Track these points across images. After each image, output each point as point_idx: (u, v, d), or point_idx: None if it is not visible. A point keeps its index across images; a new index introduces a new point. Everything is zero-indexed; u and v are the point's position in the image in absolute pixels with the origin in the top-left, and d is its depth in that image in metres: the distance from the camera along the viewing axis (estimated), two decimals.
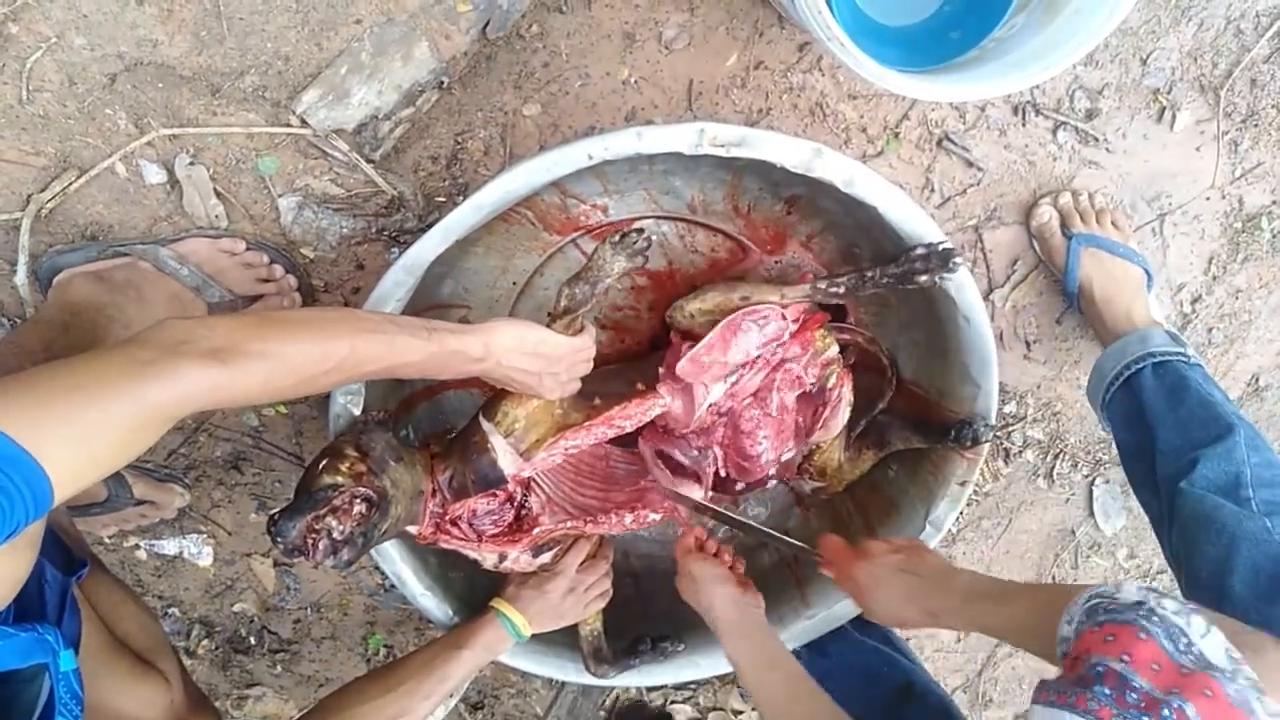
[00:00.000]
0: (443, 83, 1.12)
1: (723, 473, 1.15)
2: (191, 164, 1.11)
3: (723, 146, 0.95)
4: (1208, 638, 0.65)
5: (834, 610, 1.23)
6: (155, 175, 1.11)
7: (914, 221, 1.02)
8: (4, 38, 1.01)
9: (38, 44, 1.02)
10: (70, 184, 1.10)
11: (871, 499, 1.29)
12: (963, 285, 1.05)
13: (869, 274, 1.07)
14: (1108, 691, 0.62)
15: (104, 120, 1.08)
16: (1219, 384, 1.18)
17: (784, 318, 1.07)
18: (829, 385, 1.12)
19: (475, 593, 1.24)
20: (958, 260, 1.02)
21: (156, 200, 1.13)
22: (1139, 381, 1.17)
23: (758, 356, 1.07)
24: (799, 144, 0.96)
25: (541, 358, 0.94)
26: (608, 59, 1.17)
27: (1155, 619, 0.66)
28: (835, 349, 1.12)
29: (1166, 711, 0.59)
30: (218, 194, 1.13)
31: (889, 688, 1.15)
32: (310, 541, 0.83)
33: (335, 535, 0.85)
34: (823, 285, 1.09)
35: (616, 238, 0.97)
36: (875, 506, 1.29)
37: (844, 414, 1.15)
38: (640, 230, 0.97)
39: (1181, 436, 1.10)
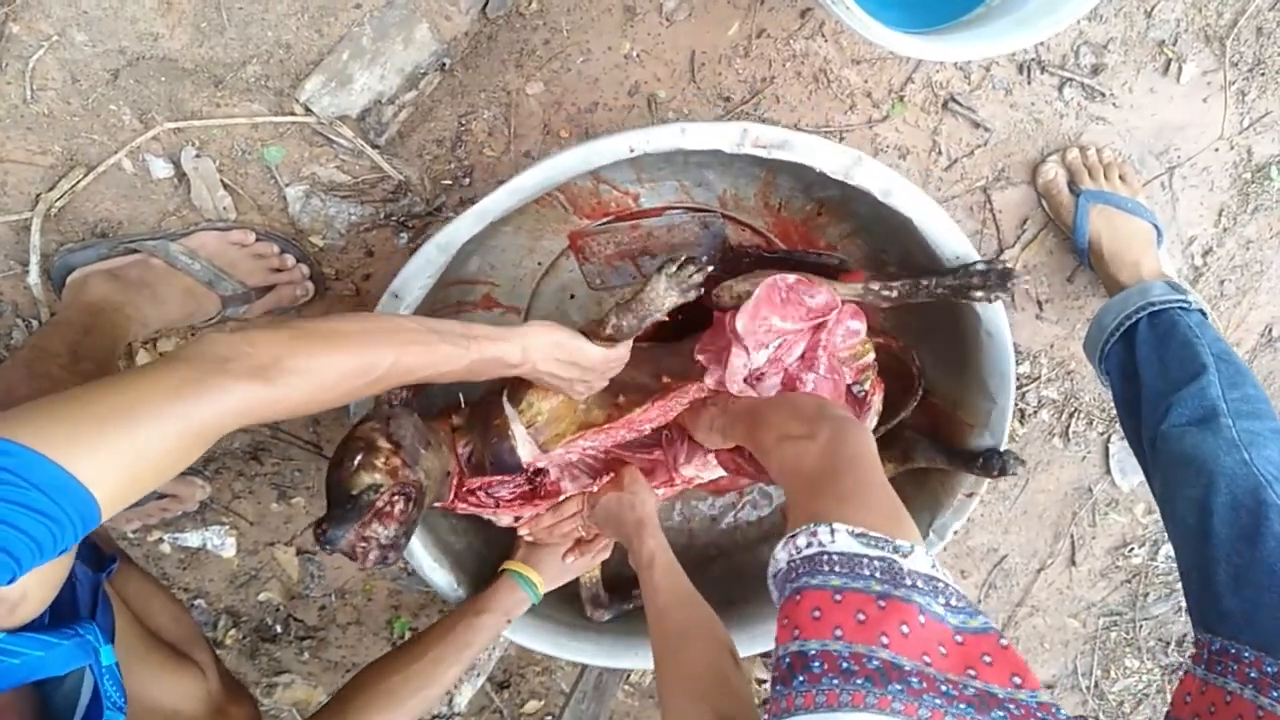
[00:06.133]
0: (444, 64, 1.12)
1: None
2: (198, 156, 1.11)
3: (764, 148, 0.96)
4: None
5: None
6: (162, 169, 1.11)
7: (947, 235, 1.03)
8: (6, 37, 1.01)
9: (39, 42, 1.02)
10: (78, 182, 1.10)
11: None
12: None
13: (924, 282, 1.06)
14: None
15: (108, 116, 1.07)
16: (1223, 332, 1.15)
17: (834, 295, 1.05)
18: (866, 390, 1.12)
19: (484, 568, 1.26)
20: (1015, 282, 1.02)
21: (164, 194, 1.13)
22: (1136, 333, 1.15)
23: (803, 328, 1.07)
24: (840, 150, 0.97)
25: (576, 366, 0.95)
26: (609, 33, 1.16)
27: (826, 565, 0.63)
28: (872, 355, 1.11)
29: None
30: (225, 186, 1.13)
31: None
32: (361, 550, 0.84)
33: (383, 541, 0.84)
34: (875, 287, 1.07)
35: (672, 268, 0.94)
36: None
37: (871, 423, 1.14)
38: (694, 260, 0.95)
39: (1163, 380, 1.08)
